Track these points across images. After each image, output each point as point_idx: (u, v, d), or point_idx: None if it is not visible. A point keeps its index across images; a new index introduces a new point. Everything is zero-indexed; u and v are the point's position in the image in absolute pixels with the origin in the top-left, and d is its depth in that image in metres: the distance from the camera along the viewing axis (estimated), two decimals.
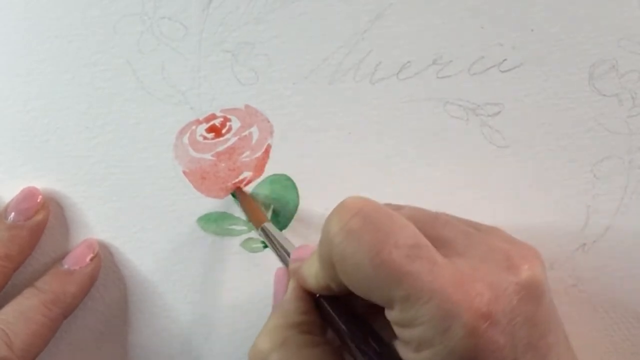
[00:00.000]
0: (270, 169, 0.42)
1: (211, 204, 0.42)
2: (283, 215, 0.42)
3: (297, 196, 0.42)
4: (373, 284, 0.29)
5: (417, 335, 0.29)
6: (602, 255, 0.42)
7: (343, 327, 0.32)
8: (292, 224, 0.42)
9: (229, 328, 0.43)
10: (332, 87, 0.41)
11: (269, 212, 0.42)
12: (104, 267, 0.42)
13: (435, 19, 0.40)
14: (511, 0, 0.40)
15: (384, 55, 0.40)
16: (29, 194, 0.41)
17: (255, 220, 0.40)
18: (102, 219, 0.42)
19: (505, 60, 0.40)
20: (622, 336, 0.43)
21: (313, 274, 0.33)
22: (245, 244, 0.42)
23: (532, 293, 0.30)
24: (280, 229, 0.42)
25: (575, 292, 0.42)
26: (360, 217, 0.30)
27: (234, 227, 0.42)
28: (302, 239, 0.42)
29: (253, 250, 0.42)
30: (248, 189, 0.42)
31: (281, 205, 0.42)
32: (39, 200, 0.41)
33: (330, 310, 0.33)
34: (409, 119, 0.41)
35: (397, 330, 0.30)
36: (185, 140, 0.41)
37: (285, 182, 0.42)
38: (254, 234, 0.42)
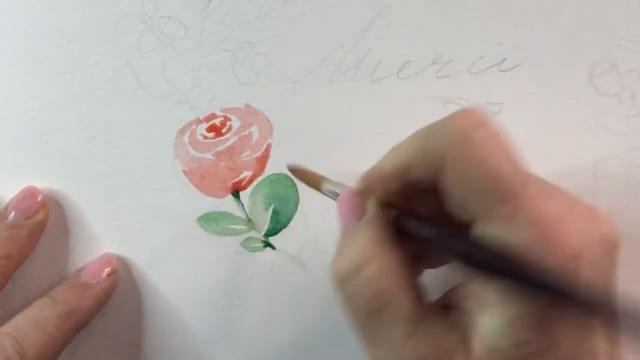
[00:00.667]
0: (270, 169, 0.42)
1: (211, 204, 0.42)
2: (283, 215, 0.42)
3: (297, 195, 0.42)
4: (480, 193, 0.29)
5: None
6: None
7: (433, 229, 0.32)
8: (292, 223, 0.42)
9: (229, 327, 0.43)
10: (332, 87, 0.41)
11: (269, 211, 0.42)
12: None
13: (435, 18, 0.40)
14: (511, 0, 0.40)
15: (384, 55, 0.40)
16: (29, 193, 0.41)
17: (316, 185, 0.39)
18: (102, 218, 0.42)
19: (505, 59, 0.40)
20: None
21: (392, 161, 0.33)
22: (246, 243, 0.42)
23: (613, 249, 0.31)
24: (280, 229, 0.42)
25: None
26: (486, 129, 0.30)
27: (234, 226, 0.42)
28: (302, 238, 0.42)
29: (253, 250, 0.42)
30: (248, 189, 0.42)
31: (281, 205, 0.42)
32: (39, 200, 0.41)
33: (413, 220, 0.33)
34: (409, 118, 0.41)
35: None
36: (186, 139, 0.41)
37: (285, 182, 0.42)
38: (254, 233, 0.42)
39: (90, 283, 0.41)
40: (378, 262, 0.32)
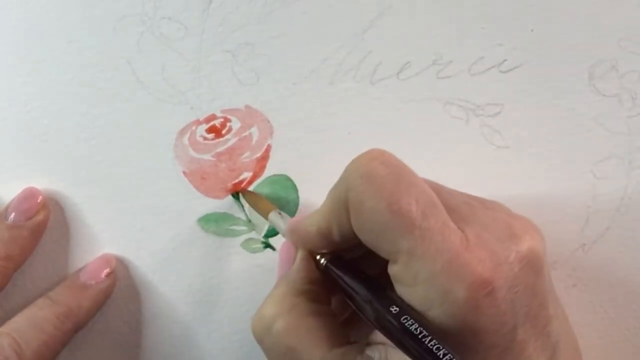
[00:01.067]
0: (270, 170, 0.42)
1: (211, 204, 0.42)
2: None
3: (298, 196, 0.42)
4: (385, 231, 0.29)
5: (419, 296, 0.29)
6: (602, 255, 0.42)
7: (355, 286, 0.32)
8: None
9: (229, 328, 0.43)
10: (332, 87, 0.41)
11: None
12: None
13: (435, 19, 0.40)
14: (511, 0, 0.40)
15: (384, 56, 0.40)
16: (29, 194, 0.41)
17: (264, 213, 0.40)
18: (102, 219, 0.42)
19: (505, 60, 0.40)
20: (622, 336, 0.43)
21: (315, 222, 0.33)
22: (246, 244, 0.42)
23: (533, 263, 0.31)
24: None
25: (575, 292, 0.42)
26: (386, 165, 0.30)
27: (234, 227, 0.42)
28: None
29: (253, 251, 0.42)
30: (249, 189, 0.42)
31: (281, 206, 0.42)
32: (39, 201, 0.41)
33: (339, 272, 0.33)
34: (409, 119, 0.41)
35: (399, 288, 0.30)
36: (186, 140, 0.41)
37: (286, 183, 0.42)
38: (254, 234, 0.42)
39: (89, 283, 0.41)
40: (287, 317, 0.32)
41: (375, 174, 0.30)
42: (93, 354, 0.43)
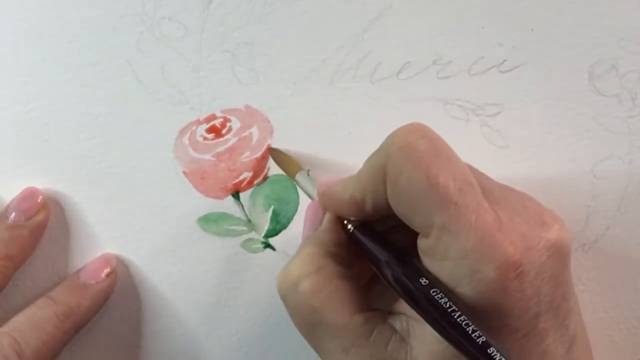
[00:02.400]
0: (270, 170, 0.42)
1: (211, 204, 0.42)
2: (283, 216, 0.42)
3: (297, 197, 0.42)
4: (420, 204, 0.30)
5: (447, 271, 0.29)
6: (602, 255, 0.42)
7: (382, 254, 0.32)
8: (292, 224, 0.42)
9: (229, 328, 0.43)
10: (332, 87, 0.41)
11: (269, 212, 0.42)
12: None
13: (435, 19, 0.40)
14: (511, 0, 0.40)
15: (384, 56, 0.40)
16: (29, 194, 0.41)
17: (291, 173, 0.40)
18: (102, 219, 0.42)
19: (505, 60, 0.40)
20: (622, 336, 0.43)
21: (350, 189, 0.33)
22: (246, 244, 0.42)
23: (561, 252, 0.31)
24: (280, 230, 0.42)
25: (576, 292, 0.42)
26: (427, 139, 0.31)
27: (234, 227, 0.42)
28: (302, 239, 0.42)
29: (253, 251, 0.42)
30: (248, 190, 0.42)
31: (281, 206, 0.42)
32: (39, 200, 0.41)
33: (367, 239, 0.33)
34: (409, 119, 0.40)
35: (428, 262, 0.30)
36: (186, 140, 0.41)
37: (286, 183, 0.42)
38: (254, 235, 0.42)
39: (89, 283, 0.41)
40: (313, 278, 0.32)
41: (415, 147, 0.30)
42: (93, 353, 0.43)
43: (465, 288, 0.29)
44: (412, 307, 0.30)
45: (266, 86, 0.41)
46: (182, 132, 0.41)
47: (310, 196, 0.38)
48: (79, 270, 0.42)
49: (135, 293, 0.43)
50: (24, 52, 0.41)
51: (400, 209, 0.31)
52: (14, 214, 0.40)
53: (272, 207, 0.42)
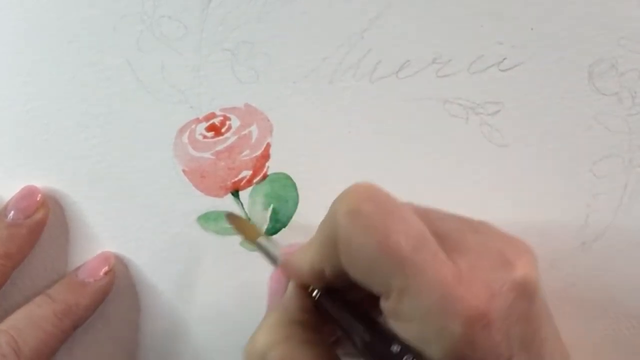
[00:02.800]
0: (270, 168, 0.42)
1: (211, 203, 0.42)
2: (283, 214, 0.42)
3: (297, 195, 0.42)
4: (375, 269, 0.29)
5: (414, 332, 0.29)
6: (602, 254, 0.42)
7: (348, 319, 0.32)
8: (292, 223, 0.42)
9: (228, 327, 0.43)
10: (332, 86, 0.41)
11: (268, 210, 0.42)
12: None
13: (435, 18, 0.40)
14: (511, 0, 0.40)
15: (383, 54, 0.40)
16: (28, 193, 0.41)
17: (250, 238, 0.39)
18: (102, 218, 0.42)
19: (505, 59, 0.40)
20: (622, 336, 0.43)
21: (308, 260, 0.32)
22: (245, 243, 0.42)
23: (527, 290, 0.30)
24: (280, 228, 0.42)
25: (575, 291, 0.42)
26: (373, 201, 0.29)
27: None
28: (302, 237, 0.41)
29: (253, 250, 0.42)
30: (248, 188, 0.42)
31: (281, 204, 0.42)
32: (38, 199, 0.41)
33: (333, 306, 0.33)
34: (408, 118, 0.41)
35: (393, 324, 0.30)
36: (185, 139, 0.41)
37: (285, 181, 0.42)
38: None
39: (87, 281, 0.41)
40: (282, 347, 0.31)
41: (362, 211, 0.29)
42: (92, 352, 0.43)
43: (434, 347, 0.28)
44: None
45: (266, 85, 0.41)
46: (182, 130, 0.41)
47: (273, 261, 0.37)
48: (78, 269, 0.42)
49: (134, 292, 0.43)
50: (24, 52, 0.41)
51: (357, 276, 0.30)
52: (12, 212, 0.40)
53: (272, 205, 0.42)
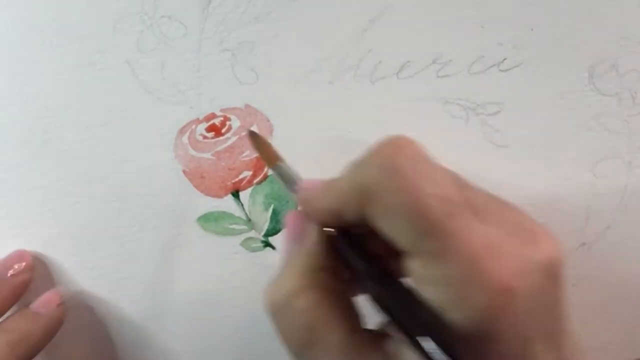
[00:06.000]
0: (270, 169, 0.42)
1: (211, 203, 0.42)
2: (283, 214, 0.42)
3: None
4: (406, 228, 0.28)
5: (436, 296, 0.28)
6: (602, 254, 0.42)
7: (364, 265, 0.31)
8: None
9: (229, 327, 0.43)
10: (332, 87, 0.41)
11: (268, 211, 0.42)
12: (106, 265, 0.42)
13: (435, 18, 0.40)
14: (511, 0, 0.40)
15: (383, 55, 0.40)
16: (17, 256, 0.42)
17: (268, 160, 0.38)
18: (102, 219, 0.42)
19: (505, 59, 0.40)
20: (622, 336, 0.43)
21: (329, 200, 0.31)
22: (245, 243, 0.42)
23: (554, 273, 0.29)
24: (280, 229, 0.42)
25: (575, 291, 0.42)
26: (412, 160, 0.29)
27: (234, 226, 0.42)
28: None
29: (253, 250, 0.42)
30: (248, 189, 0.42)
31: (281, 204, 0.42)
32: (25, 263, 0.42)
33: (351, 248, 0.32)
34: (408, 118, 0.41)
35: (417, 284, 0.29)
36: (185, 139, 0.41)
37: None
38: (254, 233, 0.42)
39: (40, 312, 0.41)
40: (310, 294, 0.31)
41: (400, 168, 0.28)
42: (92, 351, 0.43)
43: (455, 314, 0.28)
44: (394, 325, 0.29)
45: (266, 85, 0.41)
46: (182, 131, 0.41)
47: (288, 189, 0.36)
48: (30, 303, 0.42)
49: (135, 292, 0.43)
50: (24, 52, 0.41)
51: (384, 231, 0.29)
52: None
53: (272, 205, 0.42)
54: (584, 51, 0.40)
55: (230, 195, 0.42)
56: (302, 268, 0.32)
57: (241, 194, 0.42)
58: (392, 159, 0.29)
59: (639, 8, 0.40)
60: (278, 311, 0.31)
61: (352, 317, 0.32)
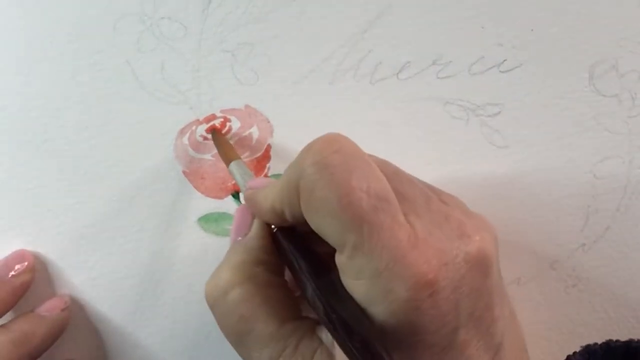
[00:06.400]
0: (270, 169, 0.42)
1: (211, 204, 0.42)
2: None
3: None
4: (333, 222, 0.29)
5: (362, 290, 0.29)
6: (602, 255, 0.42)
7: (299, 260, 0.32)
8: None
9: None
10: (332, 87, 0.41)
11: None
12: (106, 265, 0.42)
13: (435, 19, 0.40)
14: (511, 0, 0.40)
15: (384, 55, 0.40)
16: (18, 256, 0.42)
17: (226, 159, 0.39)
18: (102, 219, 0.42)
19: (505, 60, 0.40)
20: (622, 336, 0.43)
21: (270, 198, 0.32)
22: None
23: (481, 264, 0.30)
24: None
25: (575, 292, 0.42)
26: (341, 155, 0.29)
27: None
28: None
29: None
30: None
31: None
32: (27, 264, 0.42)
33: (287, 243, 0.33)
34: (408, 119, 0.41)
35: (343, 278, 0.30)
36: (185, 140, 0.41)
37: None
38: None
39: (44, 314, 0.41)
40: (244, 287, 0.32)
41: (328, 163, 0.29)
42: (91, 351, 0.43)
43: (379, 308, 0.28)
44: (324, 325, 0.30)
45: (266, 86, 0.41)
46: (182, 132, 0.41)
47: (240, 188, 0.37)
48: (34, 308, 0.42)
49: (135, 292, 0.43)
50: (24, 52, 0.41)
51: (314, 225, 0.30)
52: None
53: None
54: (584, 51, 0.40)
55: (230, 196, 0.42)
56: (239, 262, 0.33)
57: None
58: (321, 154, 0.29)
59: (639, 8, 0.40)
60: (215, 302, 0.33)
61: (287, 308, 0.33)
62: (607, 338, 0.41)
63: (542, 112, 0.41)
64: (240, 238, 0.35)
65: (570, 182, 0.41)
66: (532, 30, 0.40)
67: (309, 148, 0.30)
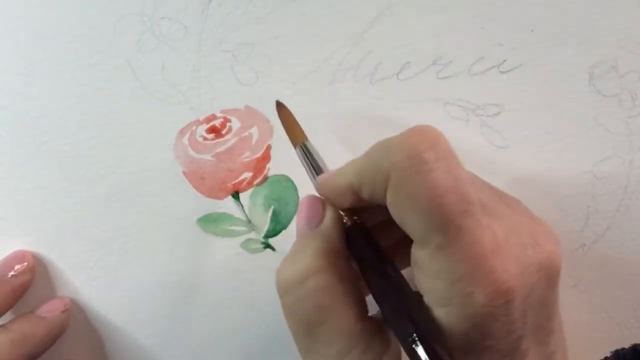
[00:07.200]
0: (270, 170, 0.42)
1: (211, 205, 0.42)
2: (283, 216, 0.42)
3: (297, 197, 0.42)
4: (419, 219, 0.28)
5: (437, 290, 0.29)
6: (602, 255, 0.42)
7: (370, 254, 0.32)
8: (292, 224, 0.42)
9: (229, 328, 0.43)
10: (332, 87, 0.41)
11: (269, 212, 0.42)
12: (106, 265, 0.42)
13: (435, 19, 0.40)
14: (511, 0, 0.40)
15: (384, 56, 0.40)
16: (18, 256, 0.42)
17: (293, 138, 0.38)
18: (102, 219, 0.42)
19: (505, 60, 0.40)
20: (622, 336, 0.43)
21: (348, 175, 0.32)
22: (246, 244, 0.42)
23: (550, 274, 0.30)
24: (280, 230, 0.42)
25: (576, 292, 0.42)
26: (436, 152, 0.29)
27: (234, 227, 0.42)
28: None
29: (253, 251, 0.42)
30: (248, 190, 0.42)
31: (281, 206, 0.42)
32: (26, 264, 0.42)
33: (360, 241, 0.32)
34: (409, 119, 0.41)
35: (418, 273, 0.30)
36: (185, 140, 0.41)
37: (286, 183, 0.42)
38: (254, 235, 0.42)
39: (44, 315, 0.42)
40: (324, 275, 0.31)
41: (424, 159, 0.28)
42: (90, 351, 0.43)
43: (453, 310, 0.28)
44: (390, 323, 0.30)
45: (266, 86, 0.41)
46: (182, 132, 0.41)
47: (308, 171, 0.36)
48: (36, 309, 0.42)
49: (135, 293, 0.43)
50: (24, 52, 0.41)
51: (398, 217, 0.30)
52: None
53: (272, 207, 0.42)
54: (584, 52, 0.40)
55: (230, 197, 0.42)
56: (317, 249, 0.32)
57: (241, 195, 0.42)
58: (418, 149, 0.29)
59: (639, 8, 0.40)
60: (289, 289, 0.31)
61: (360, 304, 0.32)
62: (607, 338, 0.41)
63: (542, 112, 0.41)
64: (311, 227, 0.34)
65: (570, 182, 0.41)
66: (532, 30, 0.40)
67: (403, 139, 0.29)
